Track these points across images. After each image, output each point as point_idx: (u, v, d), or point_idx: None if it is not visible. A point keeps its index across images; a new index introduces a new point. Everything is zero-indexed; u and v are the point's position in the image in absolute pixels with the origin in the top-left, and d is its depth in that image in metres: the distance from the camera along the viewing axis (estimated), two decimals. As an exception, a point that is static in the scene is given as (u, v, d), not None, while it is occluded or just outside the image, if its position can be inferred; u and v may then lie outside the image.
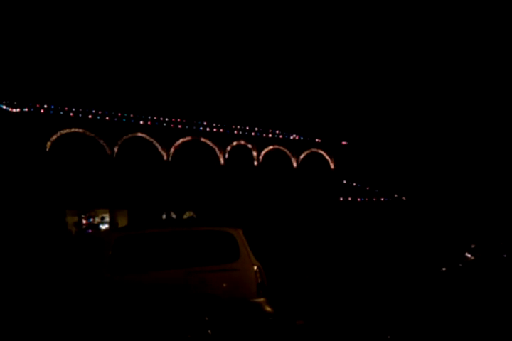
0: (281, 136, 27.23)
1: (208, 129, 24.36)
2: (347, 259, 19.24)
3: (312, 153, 27.96)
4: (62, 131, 20.23)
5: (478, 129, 45.70)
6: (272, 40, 57.47)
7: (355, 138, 39.14)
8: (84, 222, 21.21)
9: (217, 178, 24.26)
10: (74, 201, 20.48)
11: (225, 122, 26.74)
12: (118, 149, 21.61)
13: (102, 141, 21.20)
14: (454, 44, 57.86)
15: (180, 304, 7.95)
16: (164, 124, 23.58)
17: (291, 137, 27.75)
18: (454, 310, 10.39)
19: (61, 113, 20.71)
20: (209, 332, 7.93)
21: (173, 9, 52.49)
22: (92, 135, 20.96)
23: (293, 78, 59.55)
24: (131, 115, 23.65)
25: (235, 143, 25.10)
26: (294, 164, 27.18)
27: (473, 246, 17.37)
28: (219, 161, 24.54)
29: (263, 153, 26.12)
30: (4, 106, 19.60)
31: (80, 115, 21.01)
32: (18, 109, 19.42)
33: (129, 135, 22.05)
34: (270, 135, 26.89)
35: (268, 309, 8.39)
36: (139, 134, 22.35)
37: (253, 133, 25.91)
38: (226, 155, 24.69)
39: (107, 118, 21.84)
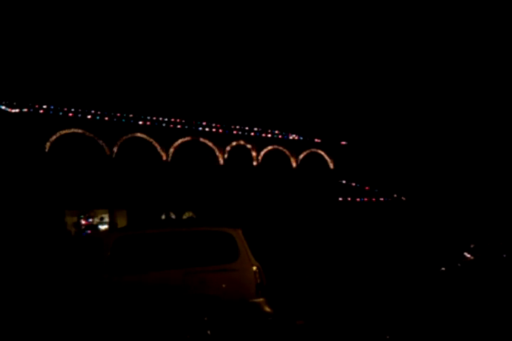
0: (280, 136, 27.21)
1: (207, 129, 24.35)
2: (346, 259, 19.25)
3: (311, 153, 27.94)
4: (61, 132, 20.21)
5: (478, 129, 45.72)
6: (271, 40, 57.46)
7: (354, 138, 39.16)
8: (83, 222, 21.19)
9: (217, 178, 24.25)
10: (73, 201, 20.45)
11: (225, 122, 26.74)
12: (117, 149, 21.60)
13: (101, 142, 21.19)
14: (453, 44, 57.87)
15: (179, 304, 7.95)
16: (163, 124, 23.56)
17: (291, 137, 27.75)
18: (453, 309, 10.40)
19: (60, 113, 20.69)
20: (208, 332, 7.93)
21: (171, 9, 52.48)
22: (92, 135, 20.94)
23: (292, 78, 59.55)
24: (131, 115, 23.64)
25: (234, 143, 25.09)
26: (294, 164, 27.17)
27: (472, 245, 17.40)
28: (218, 161, 24.53)
29: (262, 153, 26.11)
30: (3, 107, 19.58)
31: (80, 115, 20.99)
32: (17, 110, 19.41)
33: (129, 135, 22.04)
34: (269, 135, 26.88)
35: (267, 309, 8.39)
36: (139, 134, 22.34)
37: (252, 134, 25.90)
38: (225, 156, 24.69)
39: (107, 118, 21.82)
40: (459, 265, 16.36)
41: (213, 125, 25.56)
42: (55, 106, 21.48)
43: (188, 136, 23.73)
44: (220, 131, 24.81)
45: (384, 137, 48.32)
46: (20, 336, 7.46)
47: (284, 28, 56.84)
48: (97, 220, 21.63)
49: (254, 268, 8.49)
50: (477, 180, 40.55)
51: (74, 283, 7.78)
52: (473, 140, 44.33)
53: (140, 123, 22.53)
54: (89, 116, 21.19)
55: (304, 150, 27.72)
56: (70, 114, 20.82)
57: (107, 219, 21.81)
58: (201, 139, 24.09)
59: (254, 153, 25.81)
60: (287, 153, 27.08)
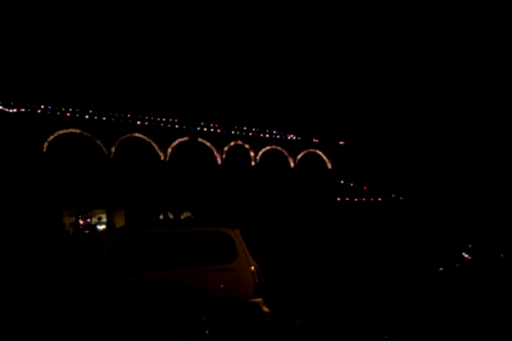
0: (278, 136, 27.23)
1: (205, 129, 24.35)
2: (345, 259, 19.25)
3: (309, 153, 27.96)
4: (59, 132, 20.20)
5: (477, 129, 45.77)
6: (269, 41, 57.47)
7: (352, 138, 39.16)
8: (81, 222, 21.18)
9: (215, 178, 24.25)
10: (71, 201, 20.44)
11: (223, 122, 26.74)
12: (115, 149, 21.59)
13: (99, 142, 21.18)
14: (453, 44, 57.93)
15: (177, 304, 7.94)
16: (161, 124, 23.56)
17: (289, 137, 27.76)
18: (451, 309, 10.40)
19: (58, 113, 20.68)
20: (206, 332, 7.92)
21: (170, 10, 52.46)
22: (89, 135, 20.93)
23: (290, 78, 59.55)
24: (129, 115, 23.63)
25: (232, 144, 25.09)
26: (292, 164, 27.18)
27: (470, 245, 17.39)
28: (216, 161, 24.53)
29: (260, 153, 26.11)
30: (1, 107, 19.56)
31: (77, 115, 20.98)
32: (15, 110, 19.39)
33: (127, 135, 22.03)
34: (267, 135, 26.88)
35: (265, 309, 8.39)
36: (136, 134, 22.33)
37: (250, 134, 25.91)
38: (223, 156, 24.68)
39: (104, 118, 21.81)
40: (457, 265, 16.35)
41: (211, 125, 25.56)
42: (52, 106, 21.47)
43: (186, 136, 23.73)
44: (218, 131, 24.81)
45: (382, 137, 48.38)
46: (21, 336, 7.44)
47: (282, 28, 56.84)
48: (95, 220, 21.62)
49: (253, 268, 8.49)
50: (475, 179, 40.61)
51: (72, 283, 7.77)
52: (471, 140, 44.40)
53: (138, 123, 22.52)
54: (87, 116, 21.17)
55: (302, 150, 27.73)
56: (68, 114, 20.81)
57: (105, 219, 21.80)
58: (199, 139, 24.09)
59: (252, 153, 25.81)
60: (285, 153, 27.09)
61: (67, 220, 20.89)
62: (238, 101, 41.59)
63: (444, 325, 8.98)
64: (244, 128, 26.42)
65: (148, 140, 22.59)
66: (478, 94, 52.77)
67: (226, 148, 24.83)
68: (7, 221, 18.24)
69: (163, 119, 24.86)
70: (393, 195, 31.69)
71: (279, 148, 26.87)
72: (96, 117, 21.53)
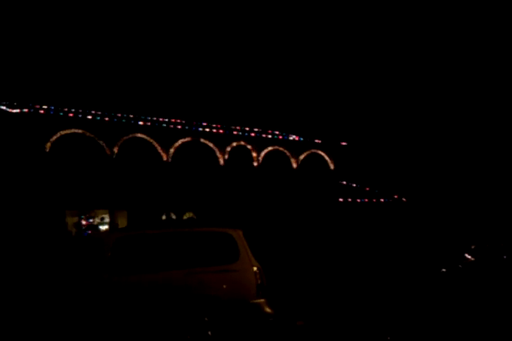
0: (280, 137, 27.21)
1: (207, 130, 24.35)
2: (347, 260, 19.24)
3: (312, 153, 27.94)
4: (61, 132, 20.21)
5: (479, 130, 45.70)
6: (271, 41, 57.48)
7: (355, 138, 39.15)
8: (84, 222, 21.19)
9: (217, 179, 24.25)
10: (74, 202, 20.46)
11: (225, 123, 26.75)
12: (118, 150, 21.59)
13: (101, 142, 21.19)
14: (453, 44, 57.88)
15: (179, 305, 7.94)
16: (164, 125, 23.56)
17: (291, 138, 27.75)
18: (454, 310, 10.38)
19: (61, 114, 20.69)
20: (209, 333, 7.92)
21: (171, 10, 52.50)
22: (92, 136, 20.94)
23: (292, 79, 59.55)
24: (131, 116, 23.64)
25: (234, 144, 25.09)
26: (294, 165, 27.16)
27: (473, 247, 17.37)
28: (219, 162, 24.53)
29: (263, 153, 26.10)
30: (4, 107, 19.58)
31: (80, 116, 20.99)
32: (17, 110, 19.41)
33: (129, 135, 22.04)
34: (270, 136, 26.87)
35: (268, 310, 8.38)
36: (139, 135, 22.34)
37: (253, 134, 25.90)
38: (226, 156, 24.68)
39: (107, 118, 21.83)
40: (459, 266, 16.33)
41: (214, 125, 25.57)
42: (55, 106, 21.49)
43: (188, 136, 23.73)
44: (221, 131, 24.81)
45: (384, 138, 48.31)
46: (21, 336, 7.45)
47: (284, 28, 56.85)
48: (97, 220, 21.63)
49: (255, 268, 8.49)
50: (478, 181, 40.55)
51: (75, 284, 7.78)
52: (473, 141, 44.34)
53: (140, 123, 22.53)
54: (89, 117, 21.19)
55: (305, 150, 27.71)
56: (71, 114, 20.83)
57: (107, 220, 21.81)
58: (202, 140, 24.09)
59: (254, 154, 25.81)
60: (287, 153, 27.07)
61: (70, 220, 20.90)
62: (241, 101, 41.62)
63: (447, 325, 8.96)
64: (247, 128, 26.43)
65: (151, 140, 22.60)
66: (479, 97, 52.65)
67: (228, 149, 24.83)
68: (10, 221, 18.26)
69: (166, 120, 24.87)
70: (396, 196, 31.65)
71: (281, 148, 26.85)
72: (98, 117, 21.55)
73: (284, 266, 16.09)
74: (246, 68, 53.01)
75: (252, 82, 50.85)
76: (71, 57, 45.16)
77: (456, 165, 42.41)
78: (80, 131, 20.69)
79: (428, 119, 54.20)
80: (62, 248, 9.68)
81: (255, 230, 15.41)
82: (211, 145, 24.35)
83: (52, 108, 21.13)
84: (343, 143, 28.92)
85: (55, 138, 20.03)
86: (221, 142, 24.66)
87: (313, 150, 28.03)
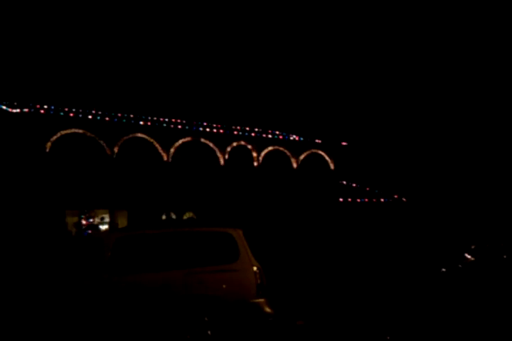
0: (281, 137, 27.23)
1: (208, 130, 24.37)
2: (347, 260, 19.25)
3: (312, 153, 27.96)
4: (62, 132, 20.23)
5: (479, 130, 45.71)
6: (271, 41, 57.47)
7: (355, 138, 39.19)
8: (84, 222, 21.20)
9: (217, 179, 24.26)
10: (74, 201, 20.47)
11: (225, 123, 26.77)
12: (118, 150, 21.61)
13: (102, 142, 21.20)
14: (453, 44, 57.87)
15: (179, 305, 7.95)
16: (164, 125, 23.58)
17: (291, 138, 27.77)
18: (454, 310, 10.39)
19: (61, 113, 20.71)
20: (209, 332, 7.93)
21: (172, 10, 52.50)
22: (92, 135, 20.96)
23: (293, 79, 59.55)
24: (131, 115, 23.66)
25: (235, 144, 25.10)
26: (294, 165, 27.18)
27: (473, 246, 17.38)
28: (219, 162, 24.54)
29: (263, 153, 26.12)
30: (4, 107, 19.60)
31: (80, 115, 21.01)
32: (18, 110, 19.42)
33: (129, 135, 22.06)
34: (270, 136, 26.89)
35: (268, 310, 8.39)
36: (139, 135, 22.35)
37: (253, 134, 25.91)
38: (226, 156, 24.69)
39: (107, 118, 21.85)
40: (459, 266, 16.35)
41: (214, 125, 25.58)
42: (55, 106, 21.50)
43: (188, 136, 23.74)
44: (221, 131, 24.82)
45: (385, 138, 48.33)
46: (21, 336, 7.46)
47: (284, 28, 56.84)
48: (97, 220, 21.64)
49: (255, 268, 8.49)
50: (478, 181, 40.55)
51: (75, 283, 7.79)
52: (473, 141, 44.34)
53: (141, 123, 22.55)
54: (89, 117, 21.21)
55: (305, 150, 27.72)
56: (71, 114, 20.84)
57: (107, 219, 21.82)
58: (202, 140, 24.10)
59: (254, 154, 25.82)
60: (288, 153, 27.08)
61: (70, 220, 20.92)
62: (241, 101, 41.63)
63: (447, 325, 8.97)
64: (247, 128, 26.44)
65: (151, 140, 22.61)
66: (479, 97, 52.67)
67: (229, 149, 24.84)
68: (10, 221, 18.28)
69: (166, 120, 24.89)
70: (396, 196, 31.65)
71: (281, 148, 26.87)
72: (99, 117, 21.57)
73: (284, 266, 16.09)
74: (246, 68, 53.00)
75: (253, 82, 50.86)
76: (71, 57, 45.18)
77: (455, 165, 42.42)
78: (80, 130, 20.70)
79: (428, 119, 54.20)
80: (62, 248, 9.69)
81: (255, 230, 15.42)
82: (211, 145, 24.36)
83: (53, 108, 21.15)
84: (344, 143, 28.93)
85: (55, 137, 20.05)
86: (221, 142, 24.67)
87: (313, 150, 28.04)
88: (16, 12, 42.12)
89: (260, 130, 27.41)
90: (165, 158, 22.88)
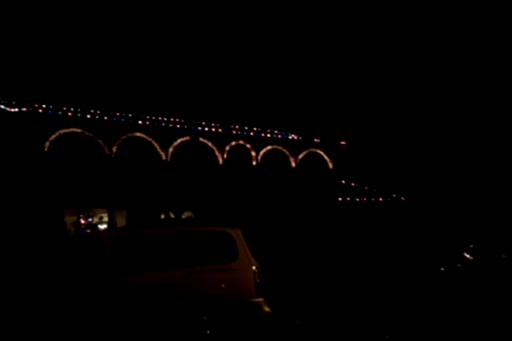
0: (279, 136, 27.22)
1: (206, 129, 24.35)
2: (346, 259, 19.24)
3: (311, 153, 27.94)
4: (60, 131, 20.19)
5: (478, 129, 45.73)
6: (270, 40, 57.45)
7: (354, 138, 39.16)
8: (82, 221, 21.17)
9: (216, 178, 24.24)
10: (72, 201, 20.44)
11: (224, 122, 26.75)
12: (116, 149, 21.58)
13: (100, 141, 21.17)
14: (453, 44, 57.90)
15: (178, 304, 7.94)
16: (163, 124, 23.56)
17: (290, 137, 27.75)
18: (453, 310, 10.39)
19: (60, 113, 20.68)
20: (208, 332, 7.92)
21: (171, 9, 52.47)
22: (91, 135, 20.93)
23: (291, 78, 59.52)
24: (130, 115, 23.63)
25: (233, 143, 25.08)
26: (293, 164, 27.16)
27: (471, 246, 17.38)
28: (218, 161, 24.52)
29: (262, 153, 26.10)
30: (2, 106, 19.56)
31: (79, 115, 20.98)
32: (16, 109, 19.38)
33: (128, 135, 22.03)
34: (269, 135, 26.88)
35: (267, 309, 8.38)
36: (138, 134, 22.32)
37: (252, 133, 25.90)
38: (225, 155, 24.67)
39: (106, 118, 21.81)
40: (458, 265, 16.35)
41: (213, 125, 25.56)
42: (54, 105, 21.47)
43: (187, 135, 23.72)
44: (220, 130, 24.81)
45: (383, 137, 48.35)
46: (21, 336, 7.44)
47: (283, 27, 56.83)
48: (96, 220, 21.61)
49: (254, 267, 8.49)
50: (477, 180, 40.57)
51: (73, 283, 7.77)
52: (472, 140, 44.36)
53: (139, 122, 22.52)
54: (88, 116, 21.18)
55: (304, 150, 27.71)
56: (70, 114, 20.81)
57: (106, 219, 21.79)
58: (200, 139, 24.08)
59: (253, 153, 25.81)
60: (286, 152, 27.07)
61: (69, 219, 20.89)
62: (239, 100, 41.61)
63: (446, 325, 8.96)
64: (246, 127, 26.43)
65: (150, 139, 22.59)
66: (478, 96, 52.70)
67: (227, 148, 24.83)
68: (8, 220, 18.25)
69: (165, 119, 24.87)
70: (394, 195, 31.66)
71: (280, 147, 26.85)
72: (97, 117, 21.54)
73: (283, 266, 16.08)
74: (245, 67, 53.00)
75: (251, 81, 50.86)
76: (70, 56, 45.12)
77: (455, 164, 42.44)
78: (78, 130, 20.67)
79: (427, 118, 54.24)
80: (60, 247, 9.67)
81: (254, 229, 15.40)
82: (210, 144, 24.34)
83: (51, 107, 21.11)
84: (342, 143, 28.93)
85: (53, 137, 20.01)
86: (220, 141, 24.66)
87: (312, 150, 28.03)
88: (15, 11, 42.06)
89: (259, 129, 27.40)
90: (163, 158, 22.86)
